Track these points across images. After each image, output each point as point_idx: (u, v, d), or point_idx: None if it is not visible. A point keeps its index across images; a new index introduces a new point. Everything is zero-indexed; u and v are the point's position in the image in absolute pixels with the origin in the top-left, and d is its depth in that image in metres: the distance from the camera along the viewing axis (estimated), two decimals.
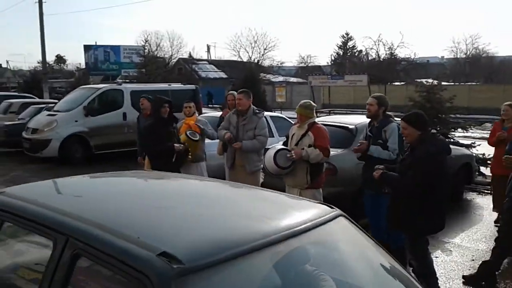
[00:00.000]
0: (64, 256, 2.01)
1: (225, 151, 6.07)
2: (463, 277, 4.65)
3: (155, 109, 5.89)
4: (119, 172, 3.97)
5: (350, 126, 6.81)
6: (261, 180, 6.10)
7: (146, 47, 31.13)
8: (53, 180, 3.24)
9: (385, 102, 5.10)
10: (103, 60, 39.94)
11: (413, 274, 3.80)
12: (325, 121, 6.99)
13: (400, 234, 4.38)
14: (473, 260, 5.21)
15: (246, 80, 17.66)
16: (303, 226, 2.19)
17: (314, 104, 5.35)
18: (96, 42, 41.18)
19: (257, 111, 5.90)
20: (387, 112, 5.22)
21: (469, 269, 4.94)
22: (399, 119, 6.27)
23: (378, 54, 39.90)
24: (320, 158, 5.02)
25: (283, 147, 5.35)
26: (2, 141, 13.06)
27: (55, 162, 11.35)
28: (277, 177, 5.42)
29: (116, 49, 39.99)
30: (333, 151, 5.97)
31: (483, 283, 4.54)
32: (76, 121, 11.70)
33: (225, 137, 5.77)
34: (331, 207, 2.53)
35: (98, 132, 11.82)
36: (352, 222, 2.52)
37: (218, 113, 8.64)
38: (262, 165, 5.69)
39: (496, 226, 6.22)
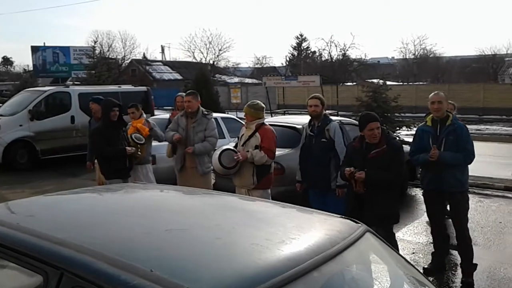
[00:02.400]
0: None
1: (175, 154, 6.05)
2: (423, 269, 4.85)
3: (104, 113, 5.80)
4: (111, 186, 3.70)
5: (298, 126, 6.94)
6: (213, 181, 6.13)
7: (96, 48, 30.27)
8: (37, 198, 2.89)
9: (324, 102, 5.30)
10: (51, 62, 38.48)
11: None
12: (273, 121, 7.12)
13: None
14: (413, 253, 5.44)
15: (198, 81, 17.54)
16: (336, 247, 1.92)
17: (262, 104, 5.40)
18: (44, 43, 39.72)
19: (206, 112, 5.92)
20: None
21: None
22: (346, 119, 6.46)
23: (331, 55, 40.76)
24: (264, 160, 5.07)
25: (228, 147, 5.40)
26: None
27: None
28: (225, 177, 5.46)
29: (65, 50, 38.65)
30: (280, 151, 6.09)
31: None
32: (21, 125, 11.26)
33: (174, 138, 5.75)
34: (356, 222, 2.29)
35: (44, 137, 11.42)
36: (378, 237, 2.34)
37: (167, 115, 8.57)
38: (212, 167, 5.71)
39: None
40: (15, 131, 11.17)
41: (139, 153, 5.89)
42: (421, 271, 4.79)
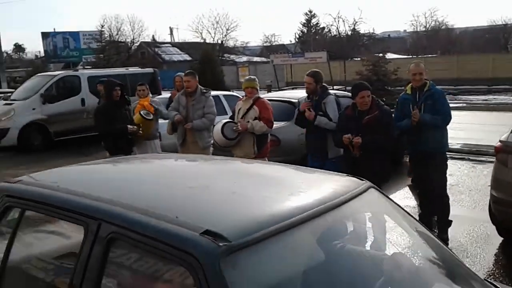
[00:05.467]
0: (97, 242, 1.92)
1: (174, 131, 6.42)
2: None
3: (106, 93, 6.19)
4: (136, 156, 4.02)
5: (293, 100, 7.27)
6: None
7: (105, 32, 30.67)
8: (72, 166, 3.16)
9: (320, 77, 5.48)
10: (62, 47, 38.93)
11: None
12: (270, 96, 7.46)
13: None
14: None
15: (203, 62, 17.82)
16: (340, 198, 2.14)
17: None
18: (54, 29, 40.20)
19: (204, 91, 6.26)
20: (324, 84, 5.62)
21: None
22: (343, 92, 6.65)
23: (339, 31, 40.47)
24: (264, 129, 5.45)
25: (229, 120, 5.74)
26: None
27: (15, 151, 11.40)
28: (225, 150, 5.81)
29: (75, 35, 39.03)
30: (277, 124, 6.40)
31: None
32: (34, 109, 11.75)
33: (175, 119, 6.12)
34: (361, 179, 2.47)
35: (56, 119, 11.91)
36: (382, 193, 2.52)
37: (167, 95, 8.96)
38: (212, 141, 6.07)
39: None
40: (29, 115, 11.65)
41: (141, 131, 6.28)
42: None
